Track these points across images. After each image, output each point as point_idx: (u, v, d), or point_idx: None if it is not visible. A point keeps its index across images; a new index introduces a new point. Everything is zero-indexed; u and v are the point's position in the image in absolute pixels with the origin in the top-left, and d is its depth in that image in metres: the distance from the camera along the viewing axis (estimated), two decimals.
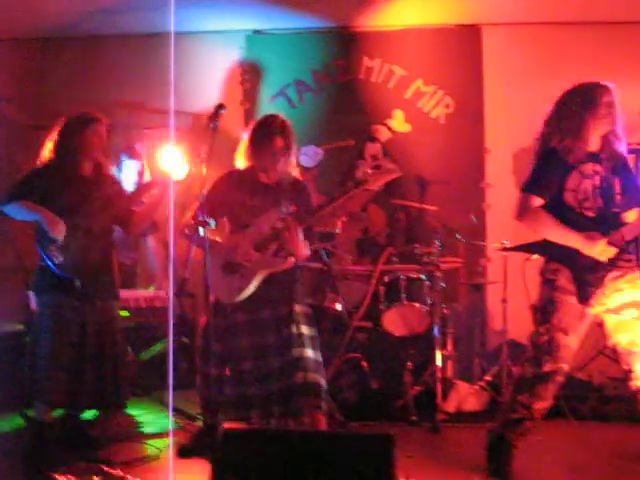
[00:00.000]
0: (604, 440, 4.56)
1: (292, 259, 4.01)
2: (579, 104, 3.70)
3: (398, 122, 6.77)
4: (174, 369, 3.71)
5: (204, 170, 3.53)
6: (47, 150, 4.26)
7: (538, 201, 3.71)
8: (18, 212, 4.19)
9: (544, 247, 3.79)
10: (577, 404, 5.14)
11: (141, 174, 6.25)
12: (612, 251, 3.60)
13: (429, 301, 5.42)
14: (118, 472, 3.89)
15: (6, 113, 6.40)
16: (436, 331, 5.17)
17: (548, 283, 3.74)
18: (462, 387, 5.32)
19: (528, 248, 4.87)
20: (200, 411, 4.38)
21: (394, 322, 5.39)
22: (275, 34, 6.88)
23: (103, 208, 4.24)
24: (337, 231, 5.71)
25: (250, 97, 6.87)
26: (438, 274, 5.32)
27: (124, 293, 5.58)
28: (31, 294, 4.80)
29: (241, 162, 4.17)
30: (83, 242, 4.16)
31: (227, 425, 3.22)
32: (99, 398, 4.30)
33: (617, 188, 3.72)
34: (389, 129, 6.77)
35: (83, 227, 4.16)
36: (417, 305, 5.43)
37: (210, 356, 3.94)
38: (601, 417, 5.07)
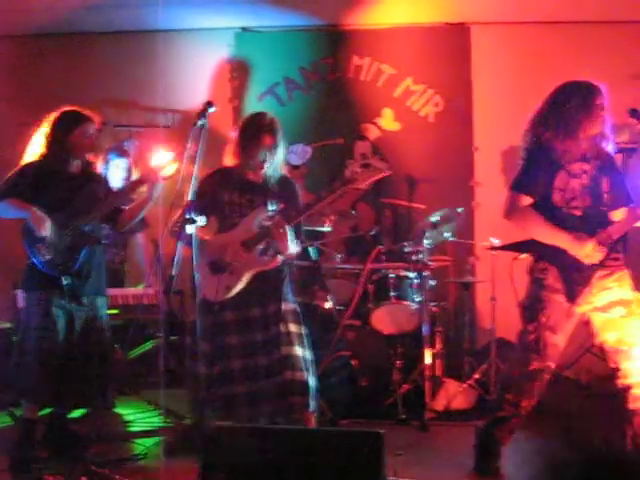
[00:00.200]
0: (590, 438, 4.57)
1: (280, 257, 4.00)
2: (572, 105, 3.69)
3: (387, 121, 6.77)
4: (162, 367, 3.71)
5: (193, 168, 3.52)
6: (36, 147, 4.24)
7: (527, 200, 3.71)
8: (5, 210, 4.17)
9: (532, 246, 3.80)
10: (564, 402, 5.16)
11: (129, 172, 6.22)
12: (599, 255, 3.61)
13: (418, 299, 5.43)
14: (106, 471, 3.88)
15: None
16: (425, 329, 5.18)
17: (536, 282, 3.75)
18: (451, 385, 5.34)
19: (516, 247, 4.88)
20: (189, 409, 4.37)
21: (383, 320, 5.40)
22: (264, 32, 6.87)
23: (91, 206, 4.22)
24: (326, 229, 5.71)
25: (239, 95, 6.87)
26: (427, 272, 5.32)
27: (112, 291, 5.57)
28: (18, 292, 4.78)
29: (229, 160, 4.16)
30: (71, 240, 4.13)
31: (216, 423, 3.21)
32: (87, 397, 4.28)
33: (605, 187, 3.73)
34: (378, 128, 6.78)
35: (71, 225, 4.14)
36: (406, 303, 5.45)
37: (199, 354, 3.94)
38: (587, 415, 5.08)
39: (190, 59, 6.82)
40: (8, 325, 5.59)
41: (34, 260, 4.11)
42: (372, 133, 6.76)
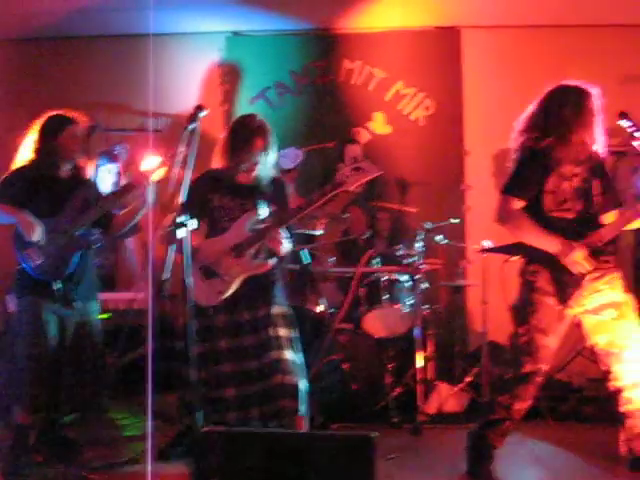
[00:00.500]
0: (583, 441, 4.58)
1: (271, 261, 4.00)
2: (565, 109, 3.69)
3: (378, 124, 6.79)
4: (154, 372, 3.69)
5: (184, 172, 3.51)
6: (25, 152, 4.23)
7: (518, 203, 3.71)
8: None
9: (523, 249, 3.80)
10: (557, 405, 5.17)
11: (120, 176, 6.21)
12: (587, 265, 3.61)
13: (410, 303, 5.43)
14: (98, 476, 3.86)
15: None
16: (417, 333, 5.18)
17: (527, 284, 3.76)
18: (443, 388, 5.34)
19: (508, 250, 4.88)
20: (180, 414, 4.36)
21: (375, 324, 5.40)
22: (255, 36, 6.87)
23: (82, 211, 4.21)
24: (318, 233, 5.71)
25: (230, 99, 6.87)
26: (419, 276, 5.33)
27: (103, 295, 5.55)
28: (8, 297, 4.75)
29: (218, 162, 4.15)
30: (61, 245, 4.12)
31: (206, 427, 3.21)
32: (78, 401, 4.27)
33: (596, 190, 3.74)
34: (369, 131, 6.79)
35: (61, 229, 4.13)
36: (398, 307, 5.45)
37: (189, 358, 3.93)
38: (580, 418, 5.10)
39: (181, 63, 6.81)
40: None
41: (25, 265, 4.10)
42: (363, 137, 6.77)
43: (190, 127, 3.57)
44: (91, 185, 4.43)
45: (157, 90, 6.74)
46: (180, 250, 3.55)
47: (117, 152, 6.37)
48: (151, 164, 4.19)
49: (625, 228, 3.70)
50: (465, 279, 6.15)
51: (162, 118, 6.61)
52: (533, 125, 3.79)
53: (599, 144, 3.77)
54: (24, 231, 4.02)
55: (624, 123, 3.72)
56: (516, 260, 3.96)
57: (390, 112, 6.77)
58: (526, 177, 3.73)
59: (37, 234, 4.04)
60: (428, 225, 5.42)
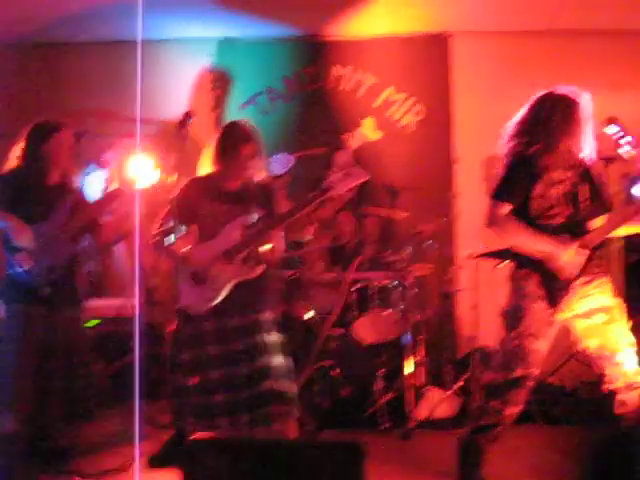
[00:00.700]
0: (576, 444, 4.58)
1: (261, 267, 3.99)
2: (556, 118, 3.70)
3: (368, 130, 6.79)
4: (143, 379, 3.68)
5: (173, 178, 3.51)
6: (13, 158, 4.22)
7: (506, 208, 3.72)
8: None
9: (513, 253, 3.81)
10: (548, 409, 5.18)
11: (108, 183, 6.20)
12: (581, 260, 3.62)
13: (400, 308, 5.43)
14: None
15: None
16: (407, 338, 5.18)
17: (517, 289, 3.76)
18: (434, 394, 5.33)
19: (497, 255, 4.89)
20: (170, 421, 4.35)
21: (365, 329, 5.39)
22: (246, 41, 6.87)
23: (70, 217, 4.20)
24: (308, 238, 5.70)
25: (221, 104, 6.86)
26: (409, 281, 5.32)
27: (93, 302, 5.53)
28: None
29: (206, 168, 4.14)
30: (50, 250, 4.11)
31: (196, 434, 3.19)
32: (68, 408, 4.25)
33: (584, 195, 3.75)
34: (359, 137, 6.79)
35: (50, 235, 4.11)
36: (388, 312, 5.44)
37: (178, 365, 3.92)
38: (573, 421, 5.10)
39: (171, 69, 6.80)
40: None
41: (13, 270, 4.08)
42: (353, 142, 6.77)
43: (179, 133, 3.57)
44: (79, 191, 4.42)
45: (147, 96, 6.71)
46: (170, 256, 3.55)
47: (106, 159, 6.35)
48: (141, 171, 4.18)
49: (613, 233, 3.71)
50: (455, 284, 6.15)
51: (152, 124, 6.60)
52: (522, 131, 3.80)
53: (588, 150, 3.78)
54: (13, 236, 4.01)
55: (612, 129, 3.73)
56: (506, 265, 3.96)
57: (380, 118, 6.78)
58: (514, 182, 3.74)
59: (27, 239, 4.03)
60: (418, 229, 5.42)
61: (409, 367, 5.13)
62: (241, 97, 6.87)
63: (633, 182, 3.72)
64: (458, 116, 6.70)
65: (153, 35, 6.54)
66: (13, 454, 4.11)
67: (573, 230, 3.68)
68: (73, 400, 4.25)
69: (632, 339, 3.69)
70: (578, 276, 3.67)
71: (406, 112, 6.77)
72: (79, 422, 4.60)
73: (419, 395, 5.26)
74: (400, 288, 5.47)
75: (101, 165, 6.26)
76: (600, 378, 3.73)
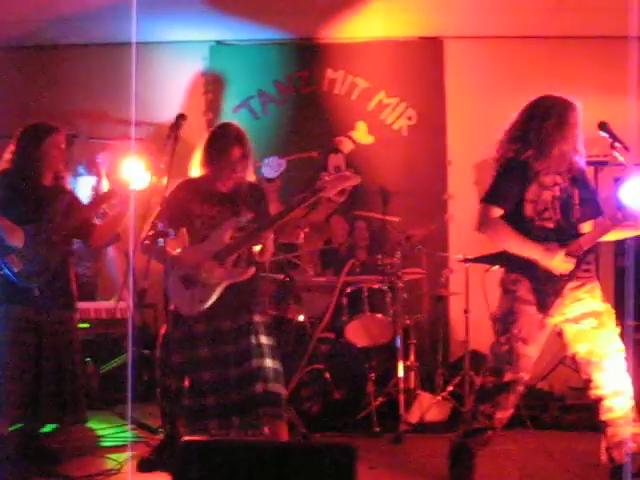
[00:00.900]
0: (565, 449, 4.60)
1: (252, 269, 3.99)
2: (547, 122, 3.71)
3: (361, 134, 6.80)
4: (135, 381, 3.68)
5: (165, 180, 3.51)
6: (6, 159, 4.22)
7: (498, 212, 3.73)
8: None
9: (504, 258, 3.81)
10: (538, 413, 5.19)
11: (100, 185, 6.20)
12: (570, 266, 3.63)
13: (392, 312, 5.43)
14: None
15: None
16: (398, 342, 5.18)
17: (508, 293, 3.77)
18: (425, 397, 5.34)
19: (489, 259, 4.90)
20: (161, 423, 4.34)
21: (357, 333, 5.40)
22: (238, 45, 6.88)
23: (62, 218, 4.19)
24: (300, 242, 5.71)
25: (213, 108, 6.87)
26: (400, 285, 5.33)
27: (85, 304, 5.52)
28: None
29: (196, 171, 4.14)
30: (42, 252, 4.11)
31: (187, 437, 3.19)
32: (58, 411, 4.24)
33: (576, 200, 3.76)
34: (352, 141, 6.80)
35: (42, 237, 4.11)
36: (380, 316, 5.44)
37: (169, 367, 3.91)
38: (562, 426, 5.12)
39: (164, 72, 6.81)
40: None
41: (5, 271, 4.07)
42: (346, 146, 6.78)
43: (171, 136, 3.57)
44: (72, 193, 4.42)
45: (140, 99, 6.73)
46: (160, 258, 3.55)
47: (99, 160, 6.36)
48: (133, 173, 4.18)
49: (604, 238, 3.71)
50: (447, 288, 6.16)
51: (145, 127, 6.60)
52: (515, 136, 3.81)
53: (580, 155, 3.79)
54: (5, 236, 4.00)
55: (603, 133, 3.75)
56: (497, 269, 3.97)
57: (373, 122, 6.80)
58: (506, 187, 3.75)
59: (19, 239, 4.03)
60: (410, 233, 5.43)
61: (400, 371, 5.13)
62: (234, 100, 6.88)
63: (621, 186, 3.72)
64: (451, 120, 6.72)
65: (147, 38, 6.56)
66: (2, 457, 4.10)
67: (564, 234, 3.69)
68: (63, 403, 4.24)
69: (621, 345, 3.70)
70: (568, 281, 3.68)
71: (399, 116, 6.79)
72: (69, 425, 4.60)
73: (411, 399, 5.27)
74: (391, 292, 5.48)
75: (94, 167, 6.28)
76: (587, 384, 3.74)
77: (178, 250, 3.95)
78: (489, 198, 3.77)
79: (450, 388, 5.41)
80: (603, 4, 5.71)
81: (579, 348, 3.72)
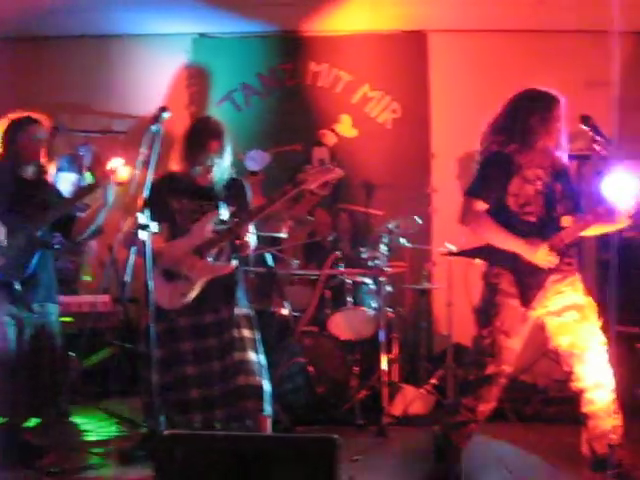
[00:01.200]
0: (547, 441, 4.62)
1: (234, 263, 3.98)
2: (530, 116, 3.72)
3: (345, 127, 6.80)
4: (118, 376, 3.66)
5: (147, 174, 3.49)
6: None
7: (481, 205, 3.74)
8: None
9: (487, 251, 3.82)
10: (521, 406, 5.21)
11: (82, 177, 6.17)
12: (553, 260, 3.64)
13: (375, 305, 5.44)
14: None
15: None
16: (382, 335, 5.18)
17: (490, 286, 3.78)
18: (408, 391, 5.35)
19: (471, 253, 4.90)
20: (144, 418, 4.33)
21: (340, 326, 5.40)
22: (221, 37, 6.85)
23: (44, 211, 4.17)
24: (283, 235, 5.70)
25: (196, 101, 6.84)
26: (384, 278, 5.33)
27: (67, 298, 5.49)
28: None
29: (176, 165, 4.12)
30: (22, 245, 4.08)
31: (169, 431, 3.18)
32: (40, 406, 4.22)
33: (558, 194, 3.77)
34: (336, 134, 6.80)
35: (23, 230, 4.08)
36: (363, 309, 5.45)
37: (152, 361, 3.89)
38: (544, 419, 5.14)
39: (147, 64, 6.78)
40: None
41: None
42: (330, 139, 6.78)
43: (153, 129, 3.54)
44: (52, 186, 4.39)
45: (122, 91, 6.73)
46: (141, 252, 3.52)
47: (81, 153, 6.32)
48: (114, 165, 4.16)
49: (586, 232, 3.73)
50: (430, 282, 6.17)
51: (127, 120, 6.57)
52: (499, 129, 3.82)
53: (563, 149, 3.81)
54: None
55: (586, 127, 3.76)
56: (480, 263, 3.98)
57: (357, 115, 6.80)
58: (490, 180, 3.76)
59: (0, 233, 4.00)
60: (392, 225, 5.42)
61: (384, 364, 5.13)
62: (217, 93, 6.85)
63: (602, 180, 3.73)
64: (435, 113, 6.73)
65: (129, 30, 6.53)
66: None
67: (547, 228, 3.70)
68: (44, 397, 4.21)
69: (602, 338, 3.72)
70: (550, 273, 3.69)
71: (383, 109, 6.79)
72: (50, 419, 4.58)
73: (394, 392, 5.28)
74: (375, 285, 5.48)
75: (75, 160, 6.23)
76: (568, 376, 3.76)
77: (159, 244, 3.93)
78: (472, 191, 3.78)
79: (433, 381, 5.44)
80: None
81: (561, 340, 3.74)
